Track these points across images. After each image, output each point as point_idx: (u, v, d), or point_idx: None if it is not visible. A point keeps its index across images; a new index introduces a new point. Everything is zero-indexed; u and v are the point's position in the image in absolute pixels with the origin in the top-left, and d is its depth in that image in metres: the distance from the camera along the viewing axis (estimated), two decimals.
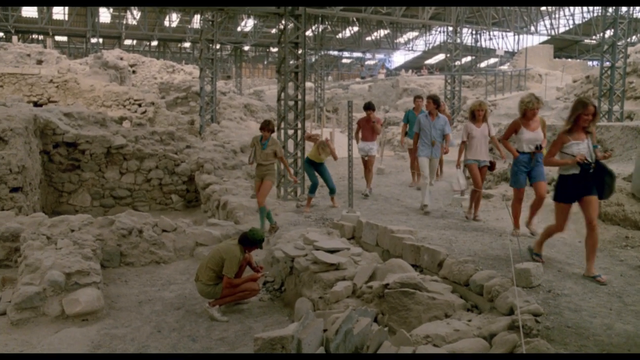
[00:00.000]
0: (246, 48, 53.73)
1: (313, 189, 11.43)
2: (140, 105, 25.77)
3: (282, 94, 12.83)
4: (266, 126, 9.59)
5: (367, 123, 12.57)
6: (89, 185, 14.87)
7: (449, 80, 26.99)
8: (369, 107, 12.61)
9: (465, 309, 5.64)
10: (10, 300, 7.28)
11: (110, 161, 15.05)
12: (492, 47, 54.01)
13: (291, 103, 12.89)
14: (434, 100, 10.82)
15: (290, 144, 12.89)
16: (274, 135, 9.82)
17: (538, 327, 4.62)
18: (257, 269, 7.67)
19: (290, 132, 12.82)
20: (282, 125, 12.73)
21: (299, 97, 12.92)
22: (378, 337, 4.06)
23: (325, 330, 4.15)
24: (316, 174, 11.48)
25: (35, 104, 24.08)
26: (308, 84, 36.28)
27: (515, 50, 50.50)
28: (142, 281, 8.59)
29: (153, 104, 25.74)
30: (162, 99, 27.56)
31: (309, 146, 12.08)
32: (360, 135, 12.76)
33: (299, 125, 12.96)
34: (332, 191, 11.57)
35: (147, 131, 16.22)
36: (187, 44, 57.11)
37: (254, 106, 27.79)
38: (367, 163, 12.68)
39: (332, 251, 7.22)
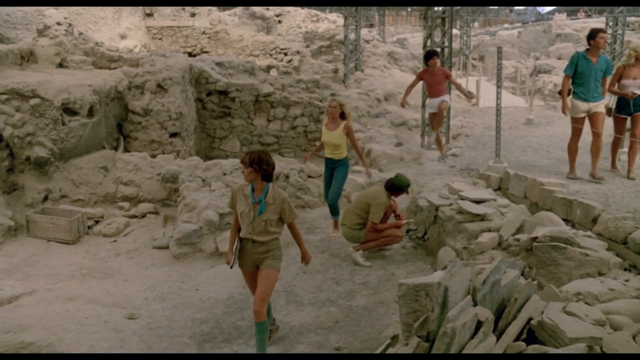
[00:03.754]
0: None
1: (331, 208, 8.31)
2: (286, 54, 26.35)
3: (428, 41, 12.53)
4: (255, 162, 4.98)
5: (431, 76, 10.33)
6: (239, 132, 15.57)
7: (610, 24, 24.85)
8: (433, 54, 10.28)
9: (622, 268, 5.31)
10: (172, 235, 7.92)
11: (258, 108, 15.62)
12: None
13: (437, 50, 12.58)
14: None
15: None
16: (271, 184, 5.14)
17: None
18: (400, 216, 7.70)
19: None
20: None
21: (446, 43, 12.55)
22: (526, 290, 3.94)
23: (470, 281, 4.09)
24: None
25: (190, 55, 25.41)
26: (453, 31, 35.10)
27: None
28: None
29: (298, 52, 26.20)
30: (307, 48, 27.95)
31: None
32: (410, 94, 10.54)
33: None
34: (331, 209, 8.30)
35: (293, 79, 16.58)
36: None
37: (398, 54, 27.41)
38: (437, 114, 10.52)
39: (477, 202, 7.08)
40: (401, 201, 8.59)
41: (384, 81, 20.67)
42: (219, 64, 16.32)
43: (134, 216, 9.54)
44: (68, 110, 10.37)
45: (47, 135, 9.99)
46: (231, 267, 5.24)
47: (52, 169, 9.99)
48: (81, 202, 9.90)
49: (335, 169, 8.18)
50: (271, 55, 26.55)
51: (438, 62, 10.39)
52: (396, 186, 7.34)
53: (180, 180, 9.50)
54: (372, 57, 25.18)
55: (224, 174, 9.49)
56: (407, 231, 8.09)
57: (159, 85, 12.54)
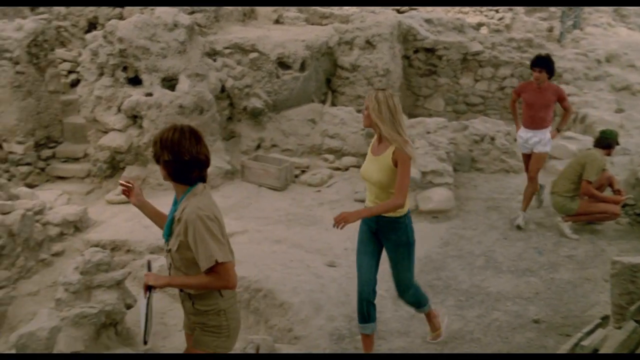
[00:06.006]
0: None
1: (364, 312, 4.47)
2: (497, 11, 25.18)
3: None
4: (155, 145, 3.04)
5: (534, 94, 6.89)
6: (444, 91, 15.29)
7: None
8: (538, 63, 6.79)
9: None
10: None
11: (465, 67, 15.17)
12: None
13: None
14: None
15: None
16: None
17: None
18: (620, 191, 7.01)
19: None
20: None
21: None
22: None
23: None
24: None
25: (398, 11, 25.35)
26: None
27: None
28: (491, 188, 8.67)
29: (511, 9, 24.91)
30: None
31: None
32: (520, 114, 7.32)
33: None
34: (413, 305, 4.79)
35: (504, 38, 15.83)
36: None
37: (626, 9, 24.84)
38: (528, 163, 7.18)
39: None
40: (618, 173, 7.91)
41: (606, 40, 18.88)
42: (427, 21, 16.07)
43: (337, 168, 9.88)
44: (282, 64, 10.96)
45: (262, 88, 10.69)
46: (145, 343, 3.18)
47: (265, 119, 10.69)
48: (289, 151, 10.47)
49: (383, 236, 4.30)
50: (481, 12, 25.52)
51: (546, 77, 6.77)
52: (605, 140, 6.79)
53: None
54: (593, 14, 23.13)
55: (428, 133, 9.43)
56: (623, 206, 7.40)
57: (367, 42, 12.70)
